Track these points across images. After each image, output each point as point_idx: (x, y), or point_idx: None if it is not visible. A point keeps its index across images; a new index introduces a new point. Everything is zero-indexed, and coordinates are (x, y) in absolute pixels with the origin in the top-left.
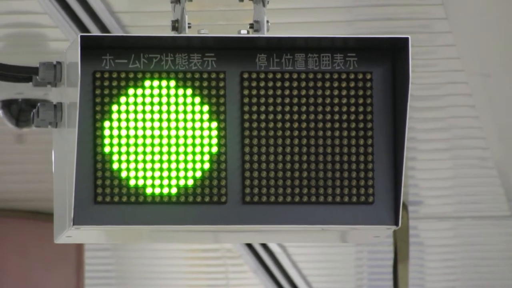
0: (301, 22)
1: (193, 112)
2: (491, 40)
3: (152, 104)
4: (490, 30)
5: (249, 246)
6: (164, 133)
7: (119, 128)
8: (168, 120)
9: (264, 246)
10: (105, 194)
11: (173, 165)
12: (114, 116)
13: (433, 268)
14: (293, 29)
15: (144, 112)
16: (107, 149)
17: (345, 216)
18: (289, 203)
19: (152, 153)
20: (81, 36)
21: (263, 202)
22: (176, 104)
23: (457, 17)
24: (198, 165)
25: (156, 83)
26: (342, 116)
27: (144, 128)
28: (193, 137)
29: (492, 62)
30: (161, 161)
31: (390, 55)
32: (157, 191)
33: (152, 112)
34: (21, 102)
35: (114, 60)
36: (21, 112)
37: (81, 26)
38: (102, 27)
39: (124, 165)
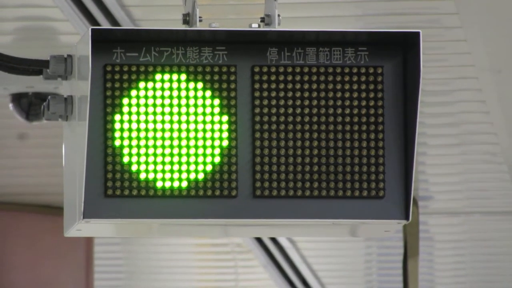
0: (311, 16)
1: (203, 105)
2: (501, 35)
3: (162, 97)
4: (501, 25)
5: (259, 240)
6: (175, 127)
7: (130, 121)
8: (179, 113)
9: (274, 240)
10: (115, 188)
11: (184, 159)
12: (125, 109)
13: (442, 264)
14: (303, 23)
15: (154, 105)
16: (117, 143)
17: (355, 210)
18: (299, 197)
19: (163, 146)
20: (92, 29)
21: (273, 196)
22: (187, 97)
23: (467, 11)
24: (208, 159)
25: (167, 76)
26: (353, 111)
27: (154, 122)
28: (204, 130)
29: (503, 57)
30: (171, 155)
31: (401, 49)
32: (167, 184)
33: (162, 105)
34: (31, 96)
35: (125, 54)
36: (31, 106)
37: (92, 20)
38: (113, 20)
39: (134, 159)
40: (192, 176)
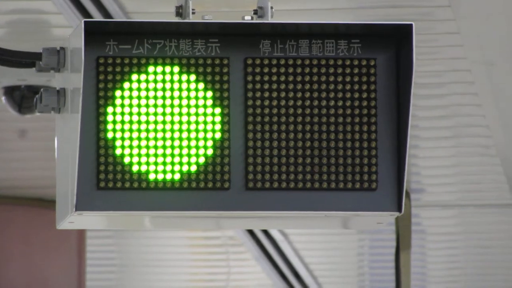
0: (304, 9)
1: (196, 98)
2: (494, 28)
3: (155, 89)
4: (493, 17)
5: (251, 233)
6: (168, 119)
7: (123, 113)
8: (172, 106)
9: (266, 233)
10: (108, 180)
11: (176, 151)
12: (118, 101)
13: (435, 256)
14: (296, 16)
15: (147, 97)
16: (110, 135)
17: (348, 202)
18: (292, 189)
19: (155, 138)
20: (85, 21)
21: (266, 188)
22: (180, 90)
23: (460, 4)
24: (201, 151)
25: (159, 68)
26: (345, 103)
27: (147, 114)
28: (197, 123)
29: (495, 49)
30: (164, 147)
31: (394, 41)
32: (160, 177)
33: (155, 97)
34: (24, 89)
35: (118, 46)
36: (24, 99)
37: (85, 13)
38: (106, 13)
39: (127, 151)
40: (185, 168)
